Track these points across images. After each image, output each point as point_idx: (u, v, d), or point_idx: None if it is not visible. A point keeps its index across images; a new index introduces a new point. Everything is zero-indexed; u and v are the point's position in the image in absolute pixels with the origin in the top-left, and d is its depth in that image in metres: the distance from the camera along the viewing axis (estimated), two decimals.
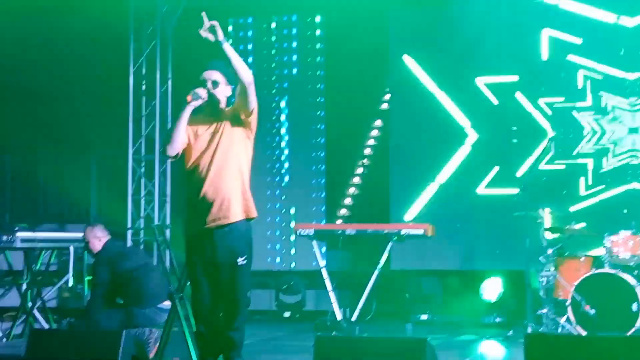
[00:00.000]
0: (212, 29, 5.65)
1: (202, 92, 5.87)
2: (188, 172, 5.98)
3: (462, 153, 11.49)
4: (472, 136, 11.43)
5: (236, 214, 5.89)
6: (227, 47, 5.70)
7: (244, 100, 5.85)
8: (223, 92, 6.00)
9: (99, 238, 7.83)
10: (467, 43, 11.25)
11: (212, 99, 5.94)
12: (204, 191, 5.88)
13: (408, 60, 11.75)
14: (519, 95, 11.22)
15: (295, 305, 11.72)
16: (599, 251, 9.27)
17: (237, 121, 5.94)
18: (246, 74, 5.77)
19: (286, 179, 12.50)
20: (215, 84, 5.95)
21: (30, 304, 9.08)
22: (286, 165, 12.52)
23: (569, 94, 11.07)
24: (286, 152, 12.55)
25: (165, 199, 12.34)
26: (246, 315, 6.02)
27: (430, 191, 11.57)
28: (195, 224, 5.93)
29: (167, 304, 7.58)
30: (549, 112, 11.11)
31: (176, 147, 5.89)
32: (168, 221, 12.08)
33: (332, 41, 12.41)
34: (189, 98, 5.83)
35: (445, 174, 11.53)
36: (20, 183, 13.30)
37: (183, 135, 5.89)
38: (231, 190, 5.89)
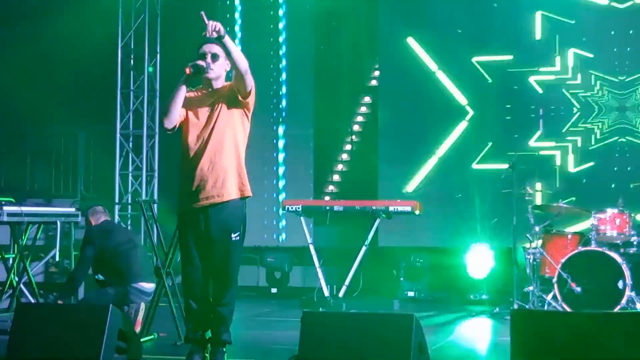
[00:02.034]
0: (217, 31, 5.62)
1: (201, 64, 5.84)
2: (184, 149, 5.96)
3: (456, 130, 11.47)
4: (468, 114, 11.40)
5: (231, 193, 5.88)
6: (227, 40, 5.68)
7: (242, 84, 5.83)
8: (222, 65, 5.96)
9: (95, 219, 7.84)
10: (460, 21, 11.28)
11: (211, 74, 5.91)
12: (199, 168, 5.86)
13: (401, 38, 11.70)
14: (511, 73, 11.23)
15: (282, 281, 11.73)
16: (585, 227, 9.29)
17: (234, 100, 5.92)
18: (243, 62, 5.75)
19: (274, 154, 12.45)
20: (215, 57, 5.92)
21: (16, 279, 9.06)
22: (281, 143, 12.47)
23: (559, 72, 11.09)
24: (281, 130, 12.47)
25: (153, 174, 12.31)
26: (236, 291, 6.02)
27: (426, 166, 11.56)
28: (189, 201, 5.92)
29: (143, 284, 7.59)
30: (540, 90, 11.11)
31: (174, 119, 5.86)
32: (156, 196, 12.06)
33: (321, 17, 12.35)
34: (187, 70, 5.79)
35: (438, 150, 11.50)
36: (8, 157, 13.23)
37: (180, 108, 5.86)
38: (227, 168, 5.87)
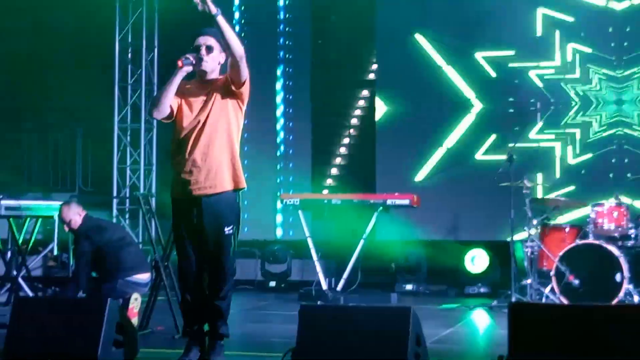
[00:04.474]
0: (203, 1, 5.60)
1: (193, 57, 5.82)
2: (177, 139, 5.94)
3: (460, 122, 11.47)
4: (475, 106, 11.40)
5: (223, 184, 5.85)
6: (221, 20, 5.65)
7: (236, 72, 5.81)
8: (216, 58, 5.93)
9: (79, 214, 7.79)
10: (462, 17, 11.30)
11: (205, 66, 5.90)
12: (192, 159, 5.82)
13: (399, 31, 11.69)
14: (514, 68, 11.25)
15: (280, 274, 11.73)
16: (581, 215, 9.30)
17: (228, 92, 5.89)
18: (238, 47, 5.72)
19: (273, 148, 12.44)
20: (209, 49, 5.89)
21: (15, 273, 9.06)
22: (282, 135, 12.45)
23: (559, 67, 11.10)
24: (281, 122, 12.47)
25: (151, 167, 12.31)
26: (232, 285, 6.01)
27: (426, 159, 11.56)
28: (182, 189, 5.90)
29: (137, 277, 7.58)
30: (540, 84, 11.13)
31: (163, 111, 5.83)
32: (154, 190, 12.06)
33: (319, 11, 12.34)
34: (179, 63, 5.76)
35: (445, 142, 11.53)
36: (6, 151, 13.24)
37: (170, 100, 5.84)
38: (220, 159, 5.84)
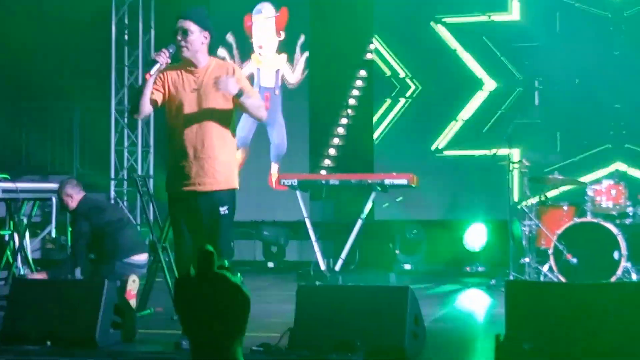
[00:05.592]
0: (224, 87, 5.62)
1: (161, 58, 5.64)
2: (170, 132, 5.89)
3: (459, 102, 11.45)
4: (481, 86, 11.37)
5: (213, 183, 5.80)
6: (244, 99, 5.65)
7: (250, 114, 5.90)
8: (197, 39, 5.79)
9: (70, 196, 7.73)
10: None
11: (186, 52, 5.80)
12: (184, 155, 5.76)
13: (397, 11, 11.66)
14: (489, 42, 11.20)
15: (278, 255, 11.74)
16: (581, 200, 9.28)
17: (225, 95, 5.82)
18: (262, 114, 5.88)
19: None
20: (185, 33, 5.75)
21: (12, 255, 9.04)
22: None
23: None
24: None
25: (148, 149, 12.29)
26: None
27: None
28: (177, 185, 5.87)
29: (135, 258, 7.57)
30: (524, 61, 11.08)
31: (144, 113, 5.85)
32: (151, 172, 12.05)
33: None
34: (147, 76, 5.68)
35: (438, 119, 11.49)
36: (3, 134, 13.21)
37: (147, 104, 5.75)
38: (212, 158, 5.77)
